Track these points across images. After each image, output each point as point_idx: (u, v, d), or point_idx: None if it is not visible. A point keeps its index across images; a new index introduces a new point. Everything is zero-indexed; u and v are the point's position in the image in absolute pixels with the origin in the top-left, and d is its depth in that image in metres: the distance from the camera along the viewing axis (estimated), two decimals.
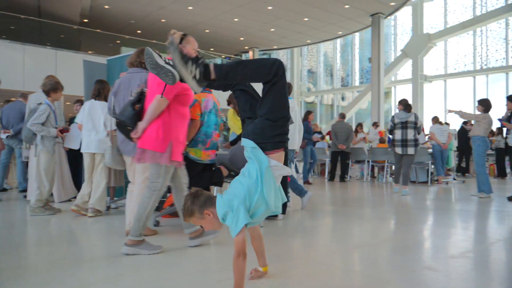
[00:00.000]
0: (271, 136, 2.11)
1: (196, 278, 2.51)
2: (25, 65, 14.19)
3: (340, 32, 19.89)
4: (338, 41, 23.24)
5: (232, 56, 23.99)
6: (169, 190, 4.80)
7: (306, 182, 8.86)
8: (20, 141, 6.36)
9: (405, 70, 20.38)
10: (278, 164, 2.11)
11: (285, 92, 2.13)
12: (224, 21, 18.36)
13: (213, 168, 3.96)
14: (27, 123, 4.77)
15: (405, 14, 20.06)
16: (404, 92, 20.15)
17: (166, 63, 2.13)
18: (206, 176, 3.79)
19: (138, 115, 2.92)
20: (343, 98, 24.43)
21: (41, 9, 17.19)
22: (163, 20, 18.21)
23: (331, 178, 9.96)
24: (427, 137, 10.14)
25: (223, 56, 23.10)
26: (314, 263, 2.86)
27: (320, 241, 3.71)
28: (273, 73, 2.07)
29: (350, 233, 4.01)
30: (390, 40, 21.18)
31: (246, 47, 23.03)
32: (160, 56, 2.18)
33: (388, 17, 17.98)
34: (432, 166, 9.19)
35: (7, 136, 6.58)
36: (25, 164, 6.46)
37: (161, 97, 2.77)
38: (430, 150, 9.24)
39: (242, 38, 21.23)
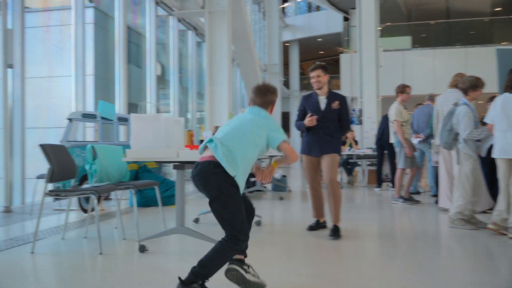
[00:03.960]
0: None
1: None
2: (435, 69, 14.40)
3: None
4: None
5: None
6: None
7: None
8: (430, 145, 6.25)
9: None
10: None
11: None
12: None
13: None
14: (445, 127, 4.47)
15: None
16: None
17: None
18: None
19: None
20: None
21: (449, 10, 17.06)
22: None
23: None
24: None
25: None
26: None
27: None
28: None
29: None
30: None
31: None
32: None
33: None
34: None
35: (418, 142, 6.64)
36: (435, 169, 6.28)
37: None
38: None
39: None
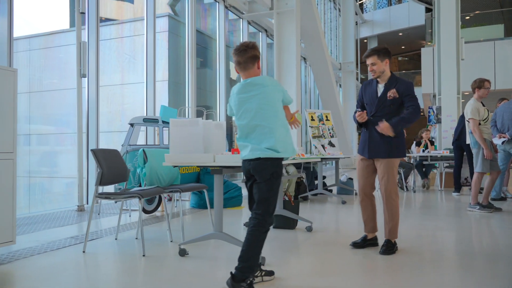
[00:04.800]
0: None
1: None
2: None
3: None
4: None
5: None
6: None
7: None
8: None
9: None
10: None
11: None
12: None
13: None
14: None
15: None
16: None
17: None
18: None
19: None
20: None
21: None
22: None
23: None
24: None
25: None
26: None
27: None
28: None
29: None
30: None
31: None
32: None
33: None
34: None
35: (502, 142, 5.92)
36: None
37: None
38: None
39: None
